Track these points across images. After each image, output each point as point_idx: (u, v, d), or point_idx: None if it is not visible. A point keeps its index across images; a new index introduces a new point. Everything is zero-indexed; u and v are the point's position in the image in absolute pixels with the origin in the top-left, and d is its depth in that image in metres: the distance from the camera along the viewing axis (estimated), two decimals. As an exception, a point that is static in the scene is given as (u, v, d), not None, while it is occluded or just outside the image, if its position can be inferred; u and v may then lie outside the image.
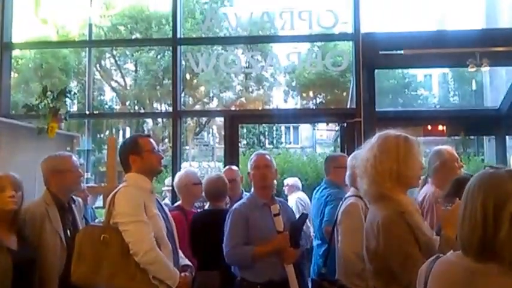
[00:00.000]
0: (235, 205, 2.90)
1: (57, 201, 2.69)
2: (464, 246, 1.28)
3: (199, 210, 3.56)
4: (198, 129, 17.12)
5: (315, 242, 3.65)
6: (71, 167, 2.78)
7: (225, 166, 4.39)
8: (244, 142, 16.66)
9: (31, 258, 2.49)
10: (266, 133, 18.81)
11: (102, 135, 14.98)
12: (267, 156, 2.96)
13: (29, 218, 2.59)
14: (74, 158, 2.87)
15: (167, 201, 4.80)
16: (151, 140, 2.55)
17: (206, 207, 3.50)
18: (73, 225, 2.75)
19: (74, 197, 2.89)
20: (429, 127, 5.46)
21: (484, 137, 6.43)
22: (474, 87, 13.70)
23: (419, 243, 1.81)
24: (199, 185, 3.43)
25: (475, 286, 1.23)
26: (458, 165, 2.99)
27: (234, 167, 4.00)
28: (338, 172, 3.37)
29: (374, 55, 5.05)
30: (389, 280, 1.86)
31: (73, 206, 2.83)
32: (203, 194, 3.36)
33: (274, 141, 18.82)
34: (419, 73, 18.79)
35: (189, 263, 2.61)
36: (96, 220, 2.79)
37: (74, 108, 12.64)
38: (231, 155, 5.10)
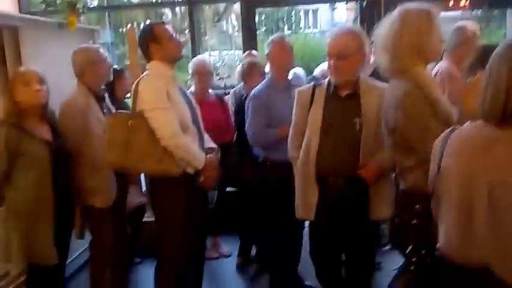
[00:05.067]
0: (254, 91, 2.95)
1: (92, 92, 2.73)
2: (486, 112, 1.26)
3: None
4: (216, 18, 16.58)
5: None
6: (103, 58, 2.79)
7: (243, 53, 4.40)
8: (263, 29, 16.16)
9: (67, 150, 2.54)
10: (285, 18, 18.05)
11: (123, 30, 14.70)
12: (288, 40, 2.97)
13: (71, 111, 2.60)
14: (102, 49, 2.87)
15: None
16: (168, 27, 2.47)
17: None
18: (109, 114, 2.79)
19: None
20: (451, 1, 5.14)
21: (508, 11, 5.98)
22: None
23: (438, 115, 1.79)
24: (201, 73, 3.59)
25: (493, 151, 1.23)
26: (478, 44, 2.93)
27: (254, 51, 4.03)
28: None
29: None
30: (408, 152, 1.88)
31: (105, 95, 2.89)
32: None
33: (293, 26, 18.15)
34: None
35: (214, 145, 2.68)
36: None
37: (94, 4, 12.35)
38: (250, 41, 5.04)
